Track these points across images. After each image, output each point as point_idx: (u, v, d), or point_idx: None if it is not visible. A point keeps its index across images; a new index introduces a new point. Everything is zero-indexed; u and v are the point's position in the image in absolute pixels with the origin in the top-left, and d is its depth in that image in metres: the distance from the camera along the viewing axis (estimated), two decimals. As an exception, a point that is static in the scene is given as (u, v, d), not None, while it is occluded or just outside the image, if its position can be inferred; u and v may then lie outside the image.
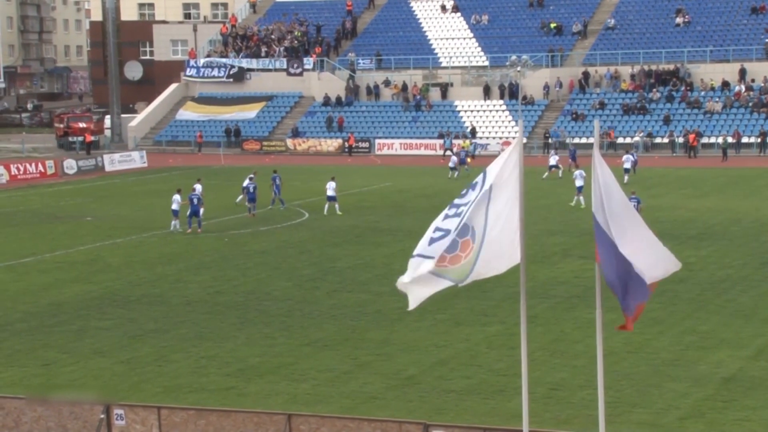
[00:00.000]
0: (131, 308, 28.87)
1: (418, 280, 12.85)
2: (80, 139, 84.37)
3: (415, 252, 12.92)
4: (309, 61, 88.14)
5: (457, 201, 12.92)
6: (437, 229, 12.81)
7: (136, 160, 74.14)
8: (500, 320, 26.13)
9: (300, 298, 29.79)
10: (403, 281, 12.92)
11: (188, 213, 41.64)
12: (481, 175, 12.82)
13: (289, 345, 24.71)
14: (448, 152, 76.83)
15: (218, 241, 39.76)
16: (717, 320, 26.04)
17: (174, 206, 41.85)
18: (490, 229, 12.68)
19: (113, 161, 72.92)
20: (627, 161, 55.62)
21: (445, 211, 12.89)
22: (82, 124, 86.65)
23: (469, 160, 64.80)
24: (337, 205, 46.21)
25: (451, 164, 60.16)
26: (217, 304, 29.24)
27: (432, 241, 12.76)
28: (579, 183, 46.87)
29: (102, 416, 17.72)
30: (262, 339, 25.32)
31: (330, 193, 46.38)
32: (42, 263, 36.12)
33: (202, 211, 42.30)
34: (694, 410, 19.43)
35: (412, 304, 12.91)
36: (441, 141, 78.53)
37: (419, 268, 12.76)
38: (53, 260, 36.64)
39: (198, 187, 44.57)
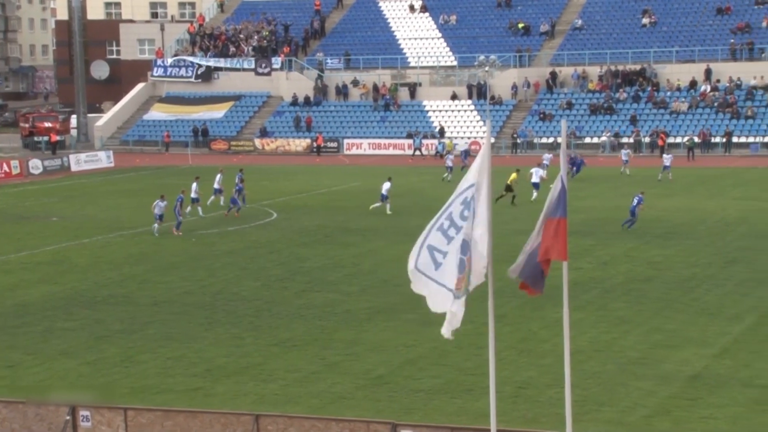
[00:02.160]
0: (98, 309, 28.67)
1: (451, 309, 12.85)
2: (46, 138, 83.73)
3: (423, 271, 12.80)
4: (277, 61, 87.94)
5: (444, 213, 13.00)
6: (434, 249, 12.88)
7: (102, 160, 73.64)
8: (469, 319, 26.02)
9: (268, 298, 29.71)
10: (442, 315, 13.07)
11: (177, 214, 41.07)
12: (462, 182, 12.96)
13: (257, 345, 24.63)
14: (418, 152, 76.90)
15: (186, 242, 39.57)
16: (683, 319, 26.22)
17: (156, 210, 40.93)
18: (475, 234, 12.87)
19: (79, 161, 72.39)
20: (667, 160, 58.67)
21: (435, 224, 12.98)
22: (47, 124, 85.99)
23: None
24: (388, 205, 45.98)
25: (448, 164, 59.74)
26: (185, 304, 29.10)
27: (438, 265, 12.83)
28: (535, 179, 48.38)
29: (68, 418, 17.59)
30: (229, 339, 25.22)
31: (383, 192, 46.29)
32: (7, 264, 35.80)
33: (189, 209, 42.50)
34: (660, 408, 19.55)
35: (453, 327, 12.92)
36: (410, 141, 78.63)
37: (445, 302, 12.78)
38: (18, 261, 36.32)
39: (195, 185, 45.32)
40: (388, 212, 45.46)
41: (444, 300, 13.05)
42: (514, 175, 48.28)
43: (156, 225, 40.87)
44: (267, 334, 25.58)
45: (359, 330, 25.85)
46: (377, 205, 46.10)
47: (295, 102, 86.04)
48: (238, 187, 46.13)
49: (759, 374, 21.39)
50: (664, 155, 59.81)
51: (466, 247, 12.83)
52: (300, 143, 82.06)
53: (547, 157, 59.47)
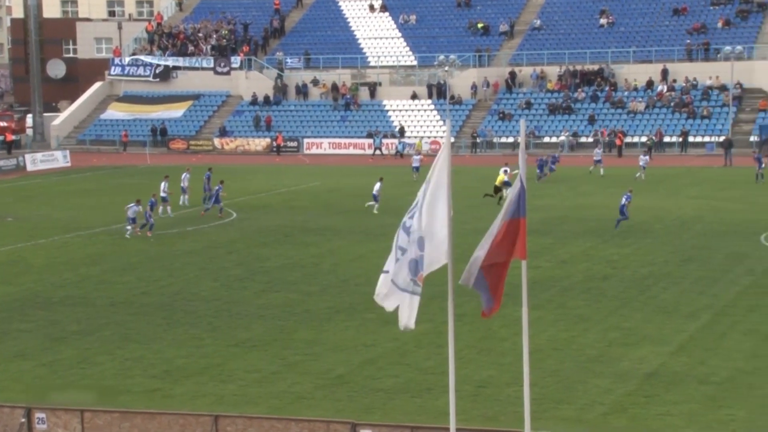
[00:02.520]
0: (54, 310, 28.40)
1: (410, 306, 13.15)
2: (1, 138, 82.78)
3: (396, 281, 13.16)
4: (236, 60, 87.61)
5: (408, 215, 13.21)
6: (401, 249, 13.09)
7: (59, 159, 72.96)
8: (428, 318, 26.22)
9: (228, 298, 29.59)
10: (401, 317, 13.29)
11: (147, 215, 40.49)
12: (425, 183, 13.11)
13: (216, 346, 24.53)
14: (378, 152, 76.98)
15: (144, 242, 39.31)
16: (640, 317, 26.45)
17: (129, 213, 40.02)
18: (430, 230, 12.98)
19: (35, 161, 71.66)
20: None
21: (401, 228, 13.18)
22: (2, 123, 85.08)
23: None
24: (375, 205, 45.88)
25: (415, 164, 59.55)
26: (143, 305, 28.91)
27: (396, 261, 12.96)
28: (506, 177, 48.11)
29: (23, 420, 17.41)
30: (189, 340, 25.09)
31: (374, 192, 46.20)
32: (-38, 265, 35.36)
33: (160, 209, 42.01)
34: (618, 405, 19.71)
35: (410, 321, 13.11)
36: (370, 140, 78.67)
37: (395, 299, 13.05)
38: (-26, 262, 35.89)
39: (164, 184, 45.10)
40: (375, 212, 45.32)
41: (395, 297, 13.18)
42: (501, 176, 48.35)
43: (129, 228, 40.08)
44: (226, 335, 25.48)
45: (319, 330, 25.82)
46: (371, 203, 45.95)
47: (254, 101, 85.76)
48: (217, 187, 45.58)
49: (714, 371, 21.63)
50: (641, 156, 59.47)
51: (421, 243, 12.96)
52: (260, 143, 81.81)
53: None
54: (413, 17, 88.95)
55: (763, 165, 55.38)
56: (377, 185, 46.53)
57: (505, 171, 49.25)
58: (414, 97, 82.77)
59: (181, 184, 48.63)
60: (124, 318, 27.37)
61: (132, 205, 40.28)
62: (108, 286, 31.39)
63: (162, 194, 44.83)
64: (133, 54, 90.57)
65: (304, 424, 17.05)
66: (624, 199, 40.56)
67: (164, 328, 26.31)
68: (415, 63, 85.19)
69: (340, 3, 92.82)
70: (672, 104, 76.82)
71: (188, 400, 20.36)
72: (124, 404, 19.56)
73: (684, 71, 78.39)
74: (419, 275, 13.06)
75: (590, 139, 75.35)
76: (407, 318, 13.28)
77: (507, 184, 47.29)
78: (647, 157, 59.30)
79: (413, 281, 13.10)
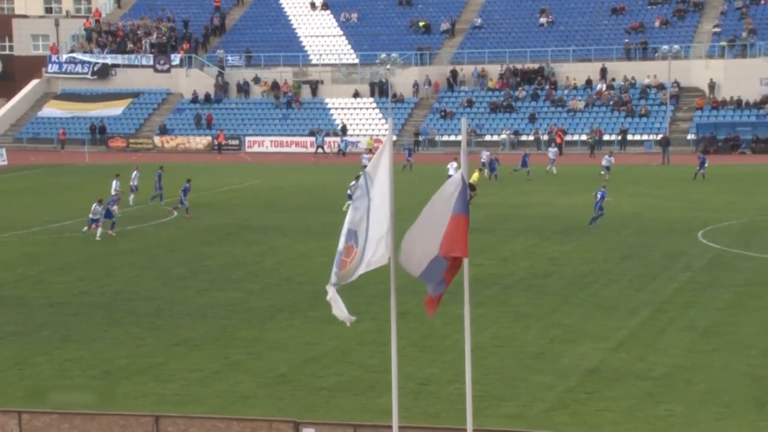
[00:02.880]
0: (-8, 311, 27.94)
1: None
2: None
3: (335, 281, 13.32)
4: (176, 58, 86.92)
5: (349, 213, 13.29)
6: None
7: (-5, 157, 71.84)
8: (372, 317, 26.25)
9: (169, 297, 29.35)
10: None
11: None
12: (362, 178, 13.08)
13: (157, 345, 24.32)
14: (320, 150, 76.86)
15: (83, 241, 38.84)
16: (581, 314, 26.71)
17: (91, 215, 38.92)
18: (371, 229, 12.98)
19: (-28, 159, 70.49)
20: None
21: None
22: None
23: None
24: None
25: (365, 162, 59.39)
26: (83, 305, 28.56)
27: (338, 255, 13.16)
28: (452, 173, 48.61)
29: (-39, 423, 17.12)
30: (129, 340, 24.84)
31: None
32: None
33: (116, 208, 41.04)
34: (559, 402, 19.88)
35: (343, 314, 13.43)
36: (312, 139, 78.54)
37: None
38: None
39: (116, 183, 44.70)
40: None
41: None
42: (476, 175, 48.51)
43: (88, 227, 39.09)
44: (168, 334, 25.27)
45: (261, 328, 25.73)
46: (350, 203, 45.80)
47: (195, 99, 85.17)
48: (184, 187, 44.86)
49: (653, 367, 21.92)
50: (606, 156, 58.61)
51: (349, 235, 13.00)
52: (201, 141, 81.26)
53: (485, 154, 60.53)
54: (355, 15, 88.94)
55: (706, 165, 55.67)
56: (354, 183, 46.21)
57: (480, 170, 49.89)
58: (356, 95, 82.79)
59: (131, 183, 48.23)
60: (62, 318, 27.02)
61: (95, 205, 39.29)
62: (46, 286, 30.97)
63: (112, 192, 44.29)
64: (71, 51, 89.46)
65: (246, 424, 16.97)
66: (599, 195, 40.63)
67: (104, 328, 26.03)
68: (356, 61, 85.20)
69: (281, 1, 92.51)
70: (611, 103, 77.71)
71: (129, 401, 20.16)
72: (63, 405, 19.31)
73: (622, 70, 79.33)
74: (341, 265, 13.11)
75: (531, 138, 75.98)
76: (339, 311, 13.40)
77: (472, 187, 47.51)
78: (612, 158, 58.06)
79: (335, 274, 13.20)
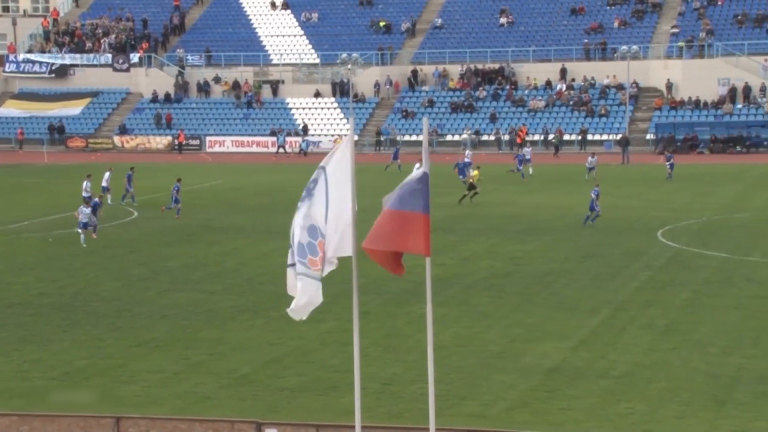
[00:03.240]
0: (-51, 312, 27.59)
1: (303, 290, 13.28)
2: None
3: (289, 262, 13.42)
4: (136, 57, 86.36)
5: (300, 204, 13.29)
6: (294, 235, 13.19)
7: (-48, 157, 71.01)
8: (334, 317, 26.22)
9: (129, 298, 29.14)
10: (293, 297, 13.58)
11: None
12: (317, 172, 13.01)
13: (118, 346, 24.14)
14: (281, 150, 76.74)
15: (42, 242, 38.47)
16: (542, 313, 26.83)
17: (81, 218, 37.55)
18: (330, 223, 12.99)
19: (-72, 159, 69.61)
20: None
21: (297, 218, 13.24)
22: None
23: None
24: None
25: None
26: (42, 305, 28.28)
27: (300, 247, 13.23)
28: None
29: None
30: (89, 341, 24.63)
31: None
32: None
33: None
34: (521, 401, 19.96)
35: (304, 313, 13.55)
36: (273, 138, 78.35)
37: (297, 280, 13.09)
38: None
39: (87, 183, 44.29)
40: None
41: (291, 281, 13.53)
42: (476, 173, 48.45)
43: (80, 232, 37.56)
44: (128, 335, 25.09)
45: (223, 329, 25.61)
46: None
47: (155, 99, 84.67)
48: (175, 186, 44.40)
49: (613, 365, 22.07)
50: (589, 158, 57.76)
51: (314, 231, 13.06)
52: (161, 141, 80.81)
53: (468, 153, 60.66)
54: (315, 15, 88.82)
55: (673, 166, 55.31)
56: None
57: (479, 168, 50.09)
58: (317, 95, 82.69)
59: (103, 184, 47.91)
60: (21, 319, 26.73)
61: (81, 207, 37.78)
62: (4, 287, 30.62)
63: (84, 194, 43.89)
64: (29, 50, 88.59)
65: (208, 425, 16.88)
66: (593, 194, 40.51)
67: (64, 329, 25.79)
68: (317, 61, 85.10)
69: (241, 0, 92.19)
70: (571, 103, 78.19)
71: (89, 402, 19.99)
72: (23, 407, 19.12)
73: (582, 70, 79.86)
74: (310, 259, 13.15)
75: (492, 138, 76.26)
76: (303, 301, 13.40)
77: (472, 186, 47.35)
78: (595, 158, 57.07)
79: (303, 263, 13.22)
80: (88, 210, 37.81)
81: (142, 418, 17.26)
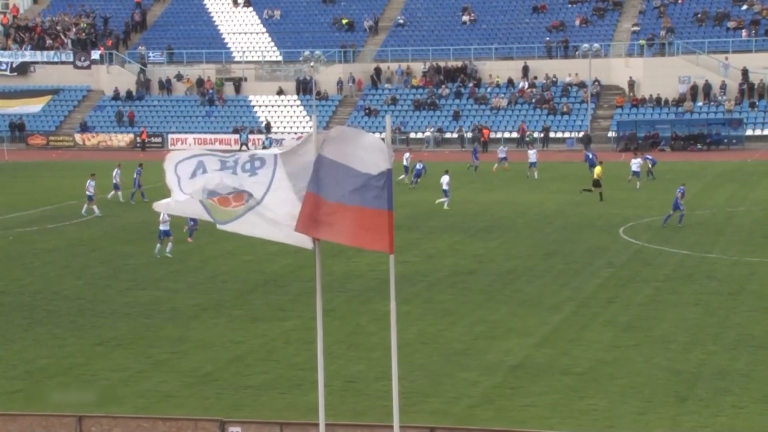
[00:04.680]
0: None
1: (180, 202, 13.53)
2: None
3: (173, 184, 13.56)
4: (97, 54, 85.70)
5: (239, 168, 13.20)
6: (209, 170, 13.28)
7: None
8: (297, 315, 26.19)
9: (91, 296, 28.93)
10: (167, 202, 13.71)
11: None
12: (271, 155, 13.08)
13: (80, 345, 23.96)
14: (244, 147, 76.41)
15: (2, 240, 38.09)
16: (505, 310, 26.94)
17: (162, 227, 34.59)
18: (267, 199, 13.05)
19: None
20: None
21: (224, 168, 13.19)
22: None
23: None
24: (446, 200, 45.08)
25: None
26: (2, 304, 28.01)
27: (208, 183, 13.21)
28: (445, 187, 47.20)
29: None
30: (51, 340, 24.44)
31: (444, 187, 45.27)
32: None
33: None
34: (484, 398, 20.04)
35: (164, 207, 13.94)
36: (236, 136, 78.06)
37: (184, 194, 13.42)
38: None
39: (90, 183, 43.62)
40: (446, 208, 44.72)
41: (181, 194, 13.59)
42: (598, 169, 48.14)
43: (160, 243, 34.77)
44: (90, 334, 24.92)
45: (186, 327, 25.49)
46: (443, 200, 45.22)
47: (116, 96, 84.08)
48: (137, 170, 44.54)
49: (576, 362, 22.20)
50: (633, 159, 53.43)
51: (241, 192, 13.08)
52: (123, 138, 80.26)
53: (502, 150, 60.51)
54: (277, 12, 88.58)
55: (653, 163, 54.44)
56: (445, 178, 45.43)
57: (601, 163, 48.98)
58: (280, 92, 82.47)
59: (114, 180, 47.63)
60: (-19, 319, 26.46)
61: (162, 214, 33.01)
62: (-36, 287, 30.30)
63: (87, 193, 43.56)
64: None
65: (171, 423, 16.82)
66: (679, 193, 40.02)
67: (25, 328, 25.56)
68: (280, 58, 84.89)
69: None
70: (533, 101, 78.54)
71: (51, 401, 19.83)
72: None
73: (544, 68, 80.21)
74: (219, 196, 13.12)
75: (455, 135, 76.43)
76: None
77: (597, 183, 46.83)
78: (639, 160, 53.07)
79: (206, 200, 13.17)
80: (168, 218, 33.68)
81: (104, 417, 17.16)
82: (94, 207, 43.49)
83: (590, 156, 56.65)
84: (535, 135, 73.63)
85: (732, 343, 23.37)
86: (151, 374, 21.74)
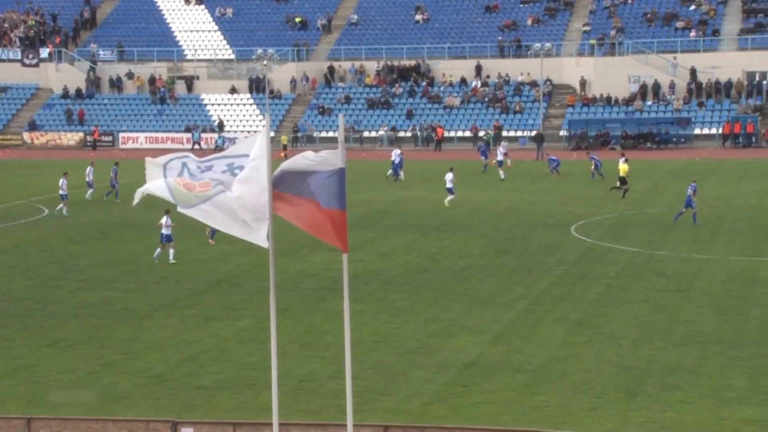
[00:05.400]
0: None
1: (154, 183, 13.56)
2: None
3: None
4: (45, 52, 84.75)
5: (205, 165, 13.45)
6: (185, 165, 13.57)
7: None
8: (251, 314, 26.08)
9: (40, 297, 28.59)
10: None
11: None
12: (232, 148, 13.31)
13: (28, 346, 23.67)
14: (197, 146, 76.00)
15: (-51, 240, 37.55)
16: (459, 308, 27.03)
17: (163, 230, 33.30)
18: (231, 194, 13.10)
19: None
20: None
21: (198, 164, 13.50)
22: None
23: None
24: (449, 198, 45.07)
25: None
26: (-51, 306, 27.60)
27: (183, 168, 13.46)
28: (449, 185, 46.28)
29: None
30: (-1, 342, 24.12)
31: (448, 185, 45.20)
32: None
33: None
34: (438, 395, 20.09)
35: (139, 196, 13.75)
36: (188, 135, 77.57)
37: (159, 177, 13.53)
38: None
39: (63, 181, 43.26)
40: (447, 204, 44.70)
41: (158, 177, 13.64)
42: (624, 167, 47.83)
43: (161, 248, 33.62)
44: (39, 335, 24.62)
45: (138, 327, 25.29)
46: (451, 198, 45.10)
47: (66, 94, 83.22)
48: (113, 170, 44.23)
49: (528, 359, 22.33)
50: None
51: (211, 181, 13.20)
52: (72, 137, 79.45)
53: (504, 144, 60.37)
54: (230, 10, 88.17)
55: (599, 164, 54.55)
56: (449, 176, 45.45)
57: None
58: (233, 91, 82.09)
59: (87, 179, 47.24)
60: (-72, 321, 26.05)
61: (164, 218, 33.08)
62: None
63: (60, 192, 42.98)
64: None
65: (122, 424, 16.67)
66: (690, 190, 39.70)
67: (-28, 330, 25.20)
68: (233, 57, 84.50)
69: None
70: (486, 99, 78.88)
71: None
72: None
73: (497, 67, 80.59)
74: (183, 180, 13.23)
75: (409, 134, 76.55)
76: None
77: (624, 180, 46.89)
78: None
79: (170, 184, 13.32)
80: (168, 219, 32.73)
81: (54, 419, 16.98)
82: (63, 206, 43.16)
83: (595, 158, 55.74)
84: (492, 133, 73.80)
85: (680, 340, 23.64)
86: (101, 375, 21.54)
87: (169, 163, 13.41)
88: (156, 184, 13.38)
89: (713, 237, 37.15)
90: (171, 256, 32.92)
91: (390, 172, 56.26)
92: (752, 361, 21.90)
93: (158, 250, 33.20)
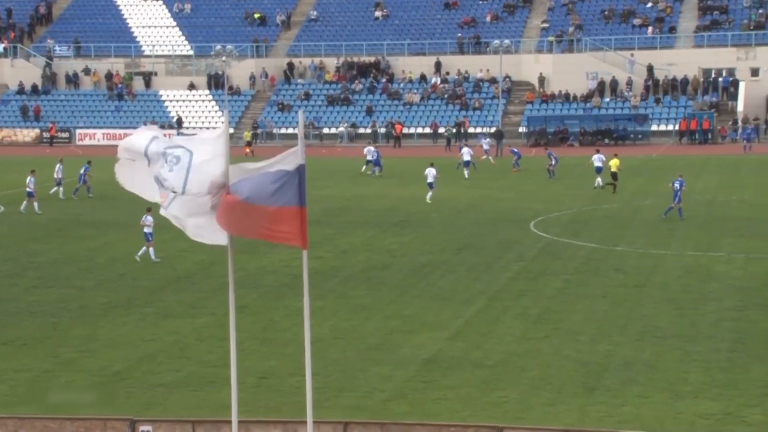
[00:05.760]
0: None
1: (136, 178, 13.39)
2: None
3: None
4: (0, 47, 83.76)
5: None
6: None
7: None
8: (210, 311, 25.95)
9: (-4, 295, 28.27)
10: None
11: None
12: (186, 152, 13.06)
13: (-16, 346, 23.40)
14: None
15: None
16: (419, 304, 27.08)
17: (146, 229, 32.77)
18: (189, 186, 13.01)
19: None
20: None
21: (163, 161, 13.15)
22: None
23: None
24: (430, 193, 45.31)
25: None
26: None
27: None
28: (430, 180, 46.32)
29: None
30: (-46, 341, 23.82)
31: (429, 179, 45.42)
32: None
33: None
34: (398, 392, 20.11)
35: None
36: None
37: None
38: None
39: (31, 179, 42.61)
40: (428, 200, 44.86)
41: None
42: (616, 161, 47.73)
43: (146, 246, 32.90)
44: (-5, 334, 24.34)
45: (95, 325, 25.08)
46: (431, 194, 45.32)
47: (21, 90, 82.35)
48: (85, 167, 43.89)
49: (488, 355, 22.42)
50: (597, 155, 51.64)
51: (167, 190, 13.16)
52: (28, 133, 78.65)
53: (486, 141, 60.36)
54: (188, 6, 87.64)
55: (556, 162, 54.25)
56: (431, 171, 45.70)
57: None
58: (191, 87, 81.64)
59: (55, 176, 46.75)
60: None
61: (147, 216, 32.03)
62: None
63: (27, 189, 42.43)
64: None
65: (79, 423, 16.53)
66: (677, 185, 39.83)
67: (-74, 329, 24.86)
68: (191, 53, 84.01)
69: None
70: (446, 96, 79.04)
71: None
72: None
73: (456, 64, 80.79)
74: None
75: (369, 130, 76.55)
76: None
77: (615, 176, 47.12)
78: (602, 157, 50.88)
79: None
80: (151, 217, 31.67)
81: (10, 418, 16.79)
82: (35, 204, 42.63)
83: (553, 155, 55.61)
84: (453, 130, 73.93)
85: (638, 335, 23.83)
86: (58, 374, 21.34)
87: (149, 147, 13.21)
88: (140, 178, 13.27)
89: (670, 232, 37.48)
90: (150, 253, 32.39)
91: (364, 167, 56.57)
92: (708, 356, 22.14)
93: (143, 248, 32.61)
